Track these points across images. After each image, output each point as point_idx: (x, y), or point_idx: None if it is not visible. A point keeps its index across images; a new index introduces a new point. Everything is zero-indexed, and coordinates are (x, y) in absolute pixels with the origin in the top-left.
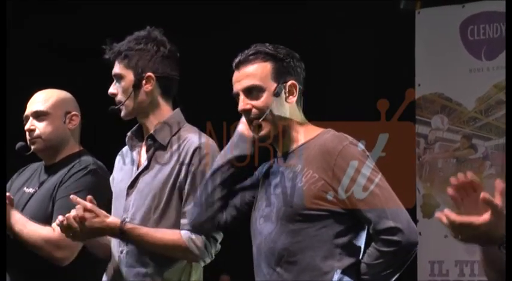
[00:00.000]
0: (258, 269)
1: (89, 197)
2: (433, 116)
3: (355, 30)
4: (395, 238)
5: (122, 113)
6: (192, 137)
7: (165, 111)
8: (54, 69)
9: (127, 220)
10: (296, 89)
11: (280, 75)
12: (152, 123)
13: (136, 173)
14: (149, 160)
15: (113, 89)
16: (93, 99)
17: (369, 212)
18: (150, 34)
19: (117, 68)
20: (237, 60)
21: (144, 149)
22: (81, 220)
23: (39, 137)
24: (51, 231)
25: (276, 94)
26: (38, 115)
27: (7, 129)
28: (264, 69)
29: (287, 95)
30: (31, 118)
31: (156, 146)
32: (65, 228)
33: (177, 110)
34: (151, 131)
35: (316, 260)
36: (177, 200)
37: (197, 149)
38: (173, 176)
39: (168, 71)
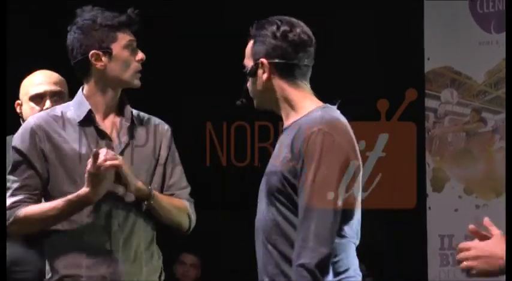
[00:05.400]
0: (256, 245)
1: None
2: (442, 89)
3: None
4: None
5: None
6: (154, 118)
7: None
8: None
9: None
10: (266, 66)
11: (255, 53)
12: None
13: (120, 150)
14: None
15: None
16: None
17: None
18: None
19: None
20: None
21: (118, 124)
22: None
23: None
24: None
25: (250, 73)
26: (55, 95)
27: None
28: (248, 48)
29: (260, 72)
30: (48, 98)
31: (126, 122)
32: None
33: None
34: (125, 107)
35: (287, 244)
36: (160, 175)
37: (169, 129)
38: (156, 152)
39: None
